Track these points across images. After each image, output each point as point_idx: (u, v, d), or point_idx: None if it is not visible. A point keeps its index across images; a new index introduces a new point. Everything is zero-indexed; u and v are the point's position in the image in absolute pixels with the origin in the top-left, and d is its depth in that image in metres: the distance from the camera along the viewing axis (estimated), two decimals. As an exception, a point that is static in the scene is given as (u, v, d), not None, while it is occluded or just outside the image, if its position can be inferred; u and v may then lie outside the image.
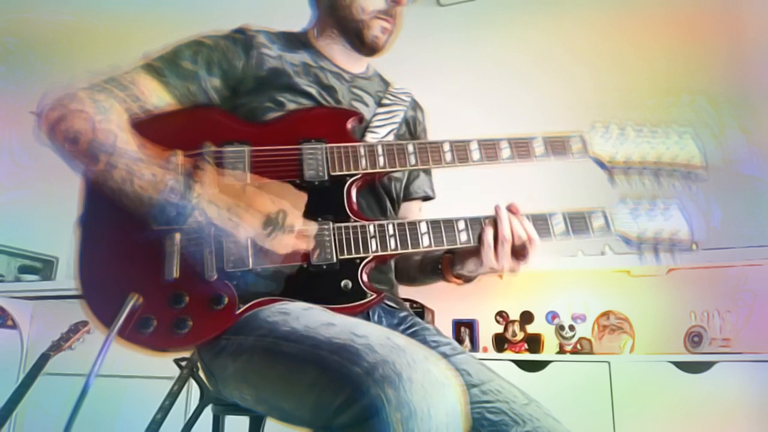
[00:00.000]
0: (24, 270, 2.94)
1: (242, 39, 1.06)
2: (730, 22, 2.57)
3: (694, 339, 2.12)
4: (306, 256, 0.90)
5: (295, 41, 1.15)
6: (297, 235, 0.87)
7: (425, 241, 0.95)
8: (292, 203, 0.88)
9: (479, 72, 2.85)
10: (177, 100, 0.99)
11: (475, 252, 0.98)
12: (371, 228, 0.94)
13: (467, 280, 1.08)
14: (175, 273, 0.86)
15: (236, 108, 1.03)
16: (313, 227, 0.89)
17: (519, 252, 0.97)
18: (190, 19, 3.02)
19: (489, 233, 0.96)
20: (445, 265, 1.08)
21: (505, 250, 0.95)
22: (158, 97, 0.98)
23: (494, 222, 0.96)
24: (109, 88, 0.95)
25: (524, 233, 0.96)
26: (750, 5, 2.58)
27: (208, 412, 1.33)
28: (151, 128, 0.95)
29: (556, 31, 2.81)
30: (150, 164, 0.87)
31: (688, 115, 2.45)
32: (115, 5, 3.51)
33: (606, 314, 2.32)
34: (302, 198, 0.90)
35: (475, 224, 0.97)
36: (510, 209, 0.97)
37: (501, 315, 2.45)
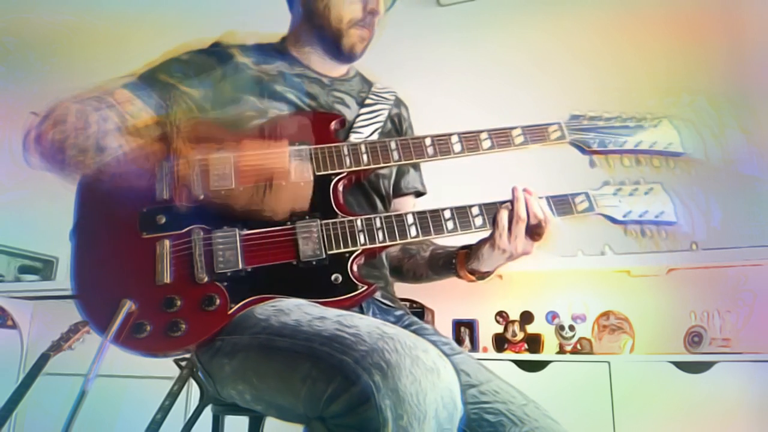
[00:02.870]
0: (24, 270, 2.94)
1: (219, 53, 1.08)
2: (730, 22, 2.57)
3: (694, 339, 2.12)
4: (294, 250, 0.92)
5: (271, 51, 1.16)
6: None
7: (413, 231, 0.96)
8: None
9: (479, 72, 2.85)
10: (154, 111, 1.00)
11: (489, 240, 1.00)
12: (359, 222, 0.95)
13: (480, 276, 1.09)
14: (167, 278, 0.87)
15: (217, 118, 1.04)
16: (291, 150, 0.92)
17: (534, 232, 0.99)
18: (190, 20, 3.02)
19: (503, 214, 0.98)
20: (460, 260, 1.09)
21: (520, 229, 0.97)
22: (137, 108, 0.99)
23: (509, 205, 0.98)
24: (90, 99, 0.97)
25: (541, 212, 0.98)
26: (750, 5, 2.58)
27: (208, 412, 1.33)
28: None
29: (556, 31, 2.81)
30: (135, 140, 0.90)
31: (688, 115, 2.44)
32: (115, 5, 3.51)
33: (606, 314, 2.32)
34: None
35: (490, 209, 0.99)
36: (525, 191, 0.99)
37: (501, 315, 2.45)
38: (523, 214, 0.97)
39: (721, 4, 2.60)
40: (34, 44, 3.66)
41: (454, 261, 1.10)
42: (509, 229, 0.97)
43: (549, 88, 2.66)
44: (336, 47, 1.13)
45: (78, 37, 3.58)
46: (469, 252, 1.07)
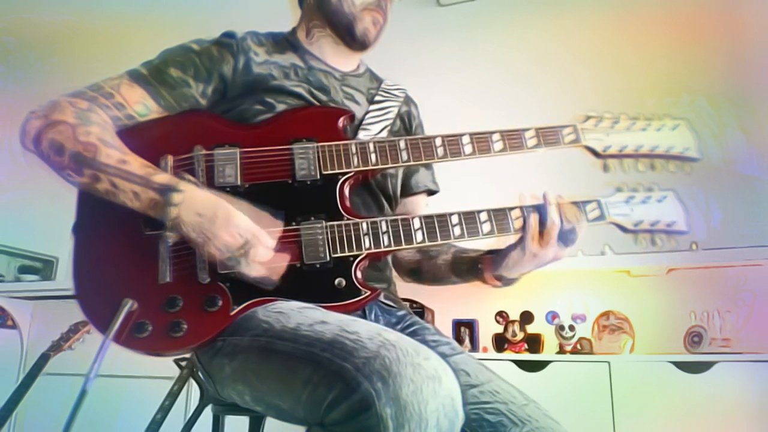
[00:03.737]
0: (24, 270, 2.94)
1: (230, 44, 1.05)
2: (730, 22, 2.57)
3: (694, 339, 2.12)
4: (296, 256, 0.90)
5: (283, 42, 1.14)
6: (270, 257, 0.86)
7: (419, 236, 0.95)
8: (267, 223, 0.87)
9: (479, 72, 2.85)
10: (163, 108, 0.99)
11: (518, 244, 0.99)
12: (364, 225, 0.93)
13: (507, 282, 1.08)
14: (169, 277, 0.86)
15: (226, 112, 1.03)
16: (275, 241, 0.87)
17: (567, 238, 0.98)
18: (190, 20, 3.02)
19: (534, 219, 0.97)
20: (486, 265, 1.08)
21: (553, 234, 0.97)
22: (143, 105, 0.97)
23: (537, 210, 0.97)
24: (93, 95, 0.95)
25: (574, 217, 0.98)
26: (750, 5, 2.57)
27: (208, 412, 1.33)
28: (142, 133, 0.95)
29: (556, 31, 2.81)
30: (131, 180, 0.86)
31: (688, 115, 2.44)
32: (115, 5, 3.51)
33: (606, 314, 2.32)
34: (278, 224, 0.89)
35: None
36: (558, 196, 0.99)
37: (501, 315, 2.44)
38: (557, 219, 0.96)
39: (721, 4, 2.60)
40: (34, 44, 3.66)
41: (480, 266, 1.09)
42: (541, 233, 0.97)
43: (549, 88, 2.66)
44: (349, 33, 1.11)
45: (78, 37, 3.58)
46: (496, 257, 1.05)
